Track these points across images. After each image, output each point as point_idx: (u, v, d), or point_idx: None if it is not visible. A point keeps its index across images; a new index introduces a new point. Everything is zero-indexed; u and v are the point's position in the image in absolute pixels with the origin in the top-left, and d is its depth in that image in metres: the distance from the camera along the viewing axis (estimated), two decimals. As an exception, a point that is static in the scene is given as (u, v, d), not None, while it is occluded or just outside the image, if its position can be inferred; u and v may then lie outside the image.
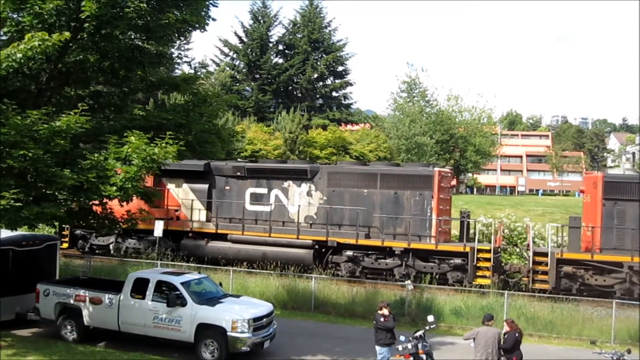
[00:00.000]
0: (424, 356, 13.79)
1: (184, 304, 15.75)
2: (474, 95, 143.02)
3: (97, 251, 30.15)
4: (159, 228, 26.11)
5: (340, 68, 68.90)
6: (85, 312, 16.80)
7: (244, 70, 68.38)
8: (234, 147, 43.14)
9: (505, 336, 13.73)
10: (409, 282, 22.52)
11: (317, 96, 69.35)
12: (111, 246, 30.08)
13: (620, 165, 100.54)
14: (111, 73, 16.82)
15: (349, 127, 68.83)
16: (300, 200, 27.71)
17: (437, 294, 22.76)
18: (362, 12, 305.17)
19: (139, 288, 16.41)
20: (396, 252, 25.64)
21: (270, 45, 69.07)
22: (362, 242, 26.07)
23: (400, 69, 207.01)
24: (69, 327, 17.02)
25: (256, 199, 28.45)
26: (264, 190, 28.36)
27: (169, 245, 28.68)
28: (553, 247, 25.94)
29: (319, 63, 67.63)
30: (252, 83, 67.28)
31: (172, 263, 25.19)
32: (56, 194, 14.68)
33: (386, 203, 26.50)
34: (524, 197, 70.56)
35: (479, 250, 24.72)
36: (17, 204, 12.94)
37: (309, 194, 27.73)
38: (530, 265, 24.84)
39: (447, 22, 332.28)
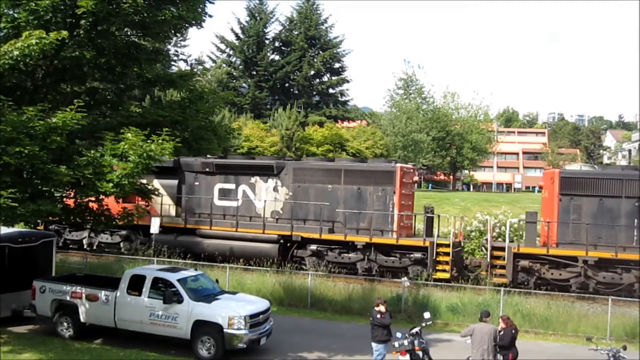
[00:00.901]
0: (420, 353, 13.81)
1: (180, 300, 15.73)
2: (470, 92, 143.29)
3: (70, 246, 30.62)
4: (155, 225, 26.06)
5: (336, 65, 68.91)
6: (81, 309, 16.77)
7: (240, 67, 68.33)
8: (231, 144, 43.10)
9: (502, 333, 13.76)
10: (405, 279, 22.56)
11: (314, 93, 69.33)
12: (84, 241, 30.45)
13: (617, 163, 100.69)
14: (107, 69, 16.81)
15: (345, 124, 68.90)
16: (267, 196, 28.15)
17: (433, 290, 22.82)
18: (359, 9, 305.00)
19: (136, 285, 16.39)
20: (358, 247, 26.00)
21: (267, 42, 69.03)
22: (326, 236, 26.43)
23: (396, 66, 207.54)
24: (65, 324, 17.00)
25: (224, 194, 28.89)
26: (232, 186, 28.78)
27: (140, 240, 29.31)
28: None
29: (315, 60, 67.61)
30: (249, 80, 67.24)
31: (169, 260, 25.16)
32: (52, 190, 14.67)
33: (349, 198, 26.95)
34: (520, 194, 70.64)
35: (439, 245, 25.12)
36: (14, 204, 12.91)
37: (275, 189, 28.17)
38: (489, 260, 25.26)
39: (444, 20, 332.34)
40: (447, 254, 24.96)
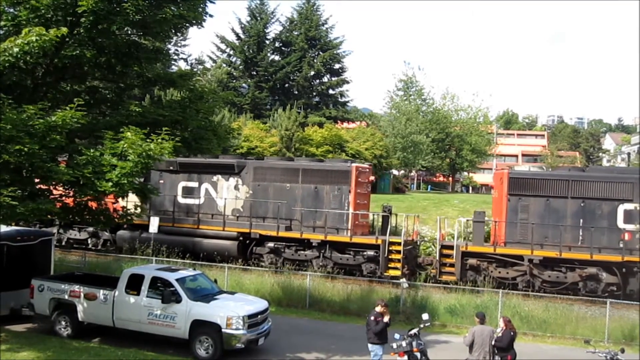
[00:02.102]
0: (418, 354, 13.82)
1: (178, 300, 15.74)
2: (469, 95, 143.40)
3: None
4: (154, 224, 26.15)
5: (336, 66, 68.75)
6: (79, 308, 16.78)
7: (240, 67, 68.20)
8: (230, 144, 43.09)
9: (501, 335, 13.77)
10: (404, 280, 22.58)
11: (314, 94, 69.21)
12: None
13: (616, 166, 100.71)
14: (107, 68, 16.78)
15: (345, 125, 68.80)
16: (228, 194, 28.86)
17: (431, 292, 22.85)
18: (359, 10, 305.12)
19: (134, 284, 16.40)
20: (314, 244, 26.76)
21: (267, 42, 68.90)
22: (283, 234, 27.21)
23: (396, 67, 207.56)
24: (63, 323, 17.01)
25: (188, 192, 29.64)
26: (195, 184, 29.58)
27: (105, 237, 30.29)
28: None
29: (315, 60, 67.52)
30: (249, 80, 67.12)
31: (168, 259, 25.17)
32: (51, 189, 14.66)
33: (307, 197, 27.75)
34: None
35: (391, 243, 25.60)
36: (13, 202, 12.90)
37: (236, 187, 28.94)
38: (438, 258, 25.72)
39: (444, 22, 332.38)
40: (398, 252, 25.45)
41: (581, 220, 24.65)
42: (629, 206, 24.34)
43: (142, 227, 28.61)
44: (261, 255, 27.59)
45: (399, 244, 25.45)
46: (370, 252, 25.92)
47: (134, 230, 28.84)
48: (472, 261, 25.09)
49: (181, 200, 29.52)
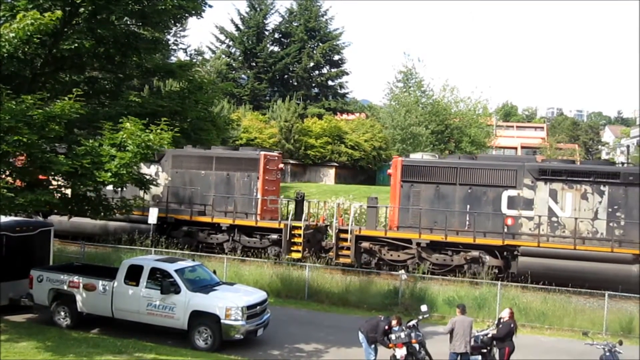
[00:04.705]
0: (417, 345, 13.87)
1: (177, 291, 15.75)
2: (469, 87, 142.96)
3: None
4: (153, 215, 26.19)
5: (336, 57, 68.56)
6: (78, 299, 16.80)
7: (239, 58, 68.00)
8: (229, 135, 43.13)
9: (500, 325, 13.83)
10: (402, 272, 22.62)
11: (313, 85, 69.06)
12: None
13: (615, 158, 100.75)
14: (106, 59, 16.73)
15: (344, 116, 68.67)
16: None
17: (430, 283, 22.87)
18: (358, 1, 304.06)
19: (133, 275, 16.40)
20: (223, 228, 28.21)
21: (267, 33, 68.68)
22: (195, 218, 28.61)
23: (396, 59, 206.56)
24: (62, 313, 17.03)
25: None
26: None
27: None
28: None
29: (315, 52, 67.32)
30: (248, 71, 66.95)
31: (167, 250, 25.17)
32: (50, 179, 14.63)
33: (220, 183, 29.12)
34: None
35: (293, 227, 26.84)
36: (10, 194, 12.88)
37: (156, 174, 29.63)
38: (334, 241, 26.86)
39: (443, 13, 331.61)
40: (300, 235, 26.67)
41: (468, 206, 25.65)
42: (513, 192, 25.32)
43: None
44: (177, 238, 28.24)
45: (300, 227, 26.74)
46: (275, 236, 27.34)
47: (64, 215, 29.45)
48: (365, 244, 26.17)
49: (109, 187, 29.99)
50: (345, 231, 26.52)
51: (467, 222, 25.50)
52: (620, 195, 24.35)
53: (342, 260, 26.31)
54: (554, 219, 24.79)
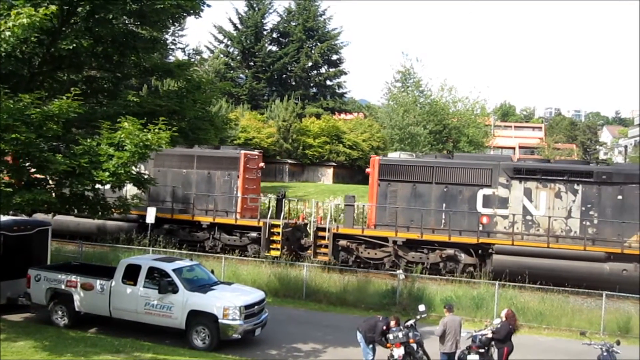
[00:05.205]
0: (414, 345, 13.88)
1: (175, 290, 15.74)
2: (467, 87, 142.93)
3: None
4: (151, 214, 26.21)
5: (334, 57, 68.49)
6: (76, 298, 16.79)
7: (238, 57, 67.93)
8: (227, 134, 43.07)
9: (499, 326, 13.83)
10: (400, 271, 22.65)
11: (311, 85, 68.99)
12: None
13: (613, 158, 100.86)
14: (104, 58, 16.70)
15: (342, 116, 68.63)
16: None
17: (428, 283, 22.91)
18: (357, 0, 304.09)
19: (131, 274, 16.40)
20: (204, 226, 28.73)
21: (265, 32, 68.59)
22: (176, 216, 29.14)
23: (394, 59, 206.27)
24: (60, 313, 17.02)
25: None
26: None
27: None
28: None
29: (313, 51, 67.25)
30: (246, 70, 66.87)
31: (164, 250, 25.17)
32: (48, 179, 14.60)
33: (201, 182, 29.54)
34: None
35: (272, 226, 27.50)
36: (8, 189, 12.85)
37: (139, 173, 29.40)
38: (312, 239, 27.53)
39: (442, 13, 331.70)
40: (278, 233, 27.22)
41: (444, 205, 25.85)
42: (488, 191, 25.54)
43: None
44: (159, 235, 28.26)
45: (279, 226, 27.25)
46: (254, 234, 27.86)
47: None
48: (342, 242, 26.54)
49: None
50: (324, 229, 26.84)
51: (443, 221, 25.82)
52: (593, 194, 24.58)
53: (320, 258, 26.73)
54: (528, 217, 25.07)
